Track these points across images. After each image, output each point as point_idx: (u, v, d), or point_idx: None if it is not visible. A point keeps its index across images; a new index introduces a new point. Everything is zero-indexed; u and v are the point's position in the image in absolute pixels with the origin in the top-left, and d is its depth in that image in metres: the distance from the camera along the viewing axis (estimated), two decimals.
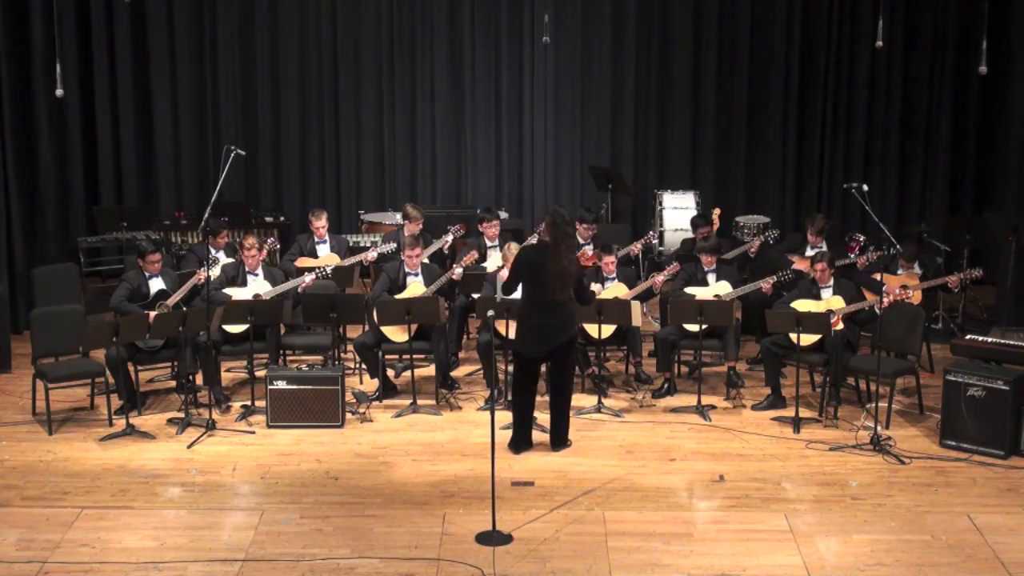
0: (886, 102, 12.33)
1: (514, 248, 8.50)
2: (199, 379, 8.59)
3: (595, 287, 8.81)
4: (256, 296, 8.74)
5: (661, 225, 11.75)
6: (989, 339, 8.03)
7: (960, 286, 9.28)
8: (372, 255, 9.69)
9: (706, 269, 8.92)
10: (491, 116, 12.62)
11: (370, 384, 8.92)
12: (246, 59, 12.43)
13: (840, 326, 8.21)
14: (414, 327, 8.43)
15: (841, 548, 6.33)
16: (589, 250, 9.42)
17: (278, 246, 10.72)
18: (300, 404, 8.06)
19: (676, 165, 12.64)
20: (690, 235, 10.61)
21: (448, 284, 8.89)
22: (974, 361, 7.85)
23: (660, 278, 8.94)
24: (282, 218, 12.02)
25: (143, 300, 8.43)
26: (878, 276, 8.51)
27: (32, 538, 6.41)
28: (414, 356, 8.65)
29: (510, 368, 8.36)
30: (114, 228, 11.16)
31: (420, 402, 8.48)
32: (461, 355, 9.59)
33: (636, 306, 8.35)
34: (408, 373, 8.71)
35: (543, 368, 7.81)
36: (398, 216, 10.89)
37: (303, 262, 9.63)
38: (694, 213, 11.14)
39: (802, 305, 8.37)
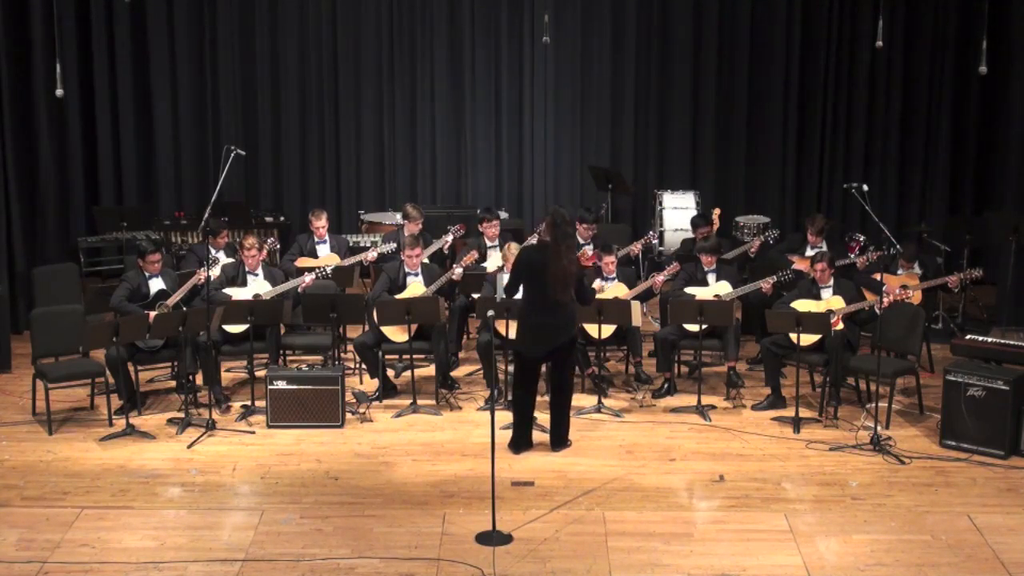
0: (886, 102, 12.33)
1: (514, 248, 8.51)
2: (199, 379, 8.59)
3: (597, 284, 8.81)
4: (256, 296, 8.74)
5: (661, 225, 11.75)
6: (989, 339, 8.03)
7: (960, 286, 9.28)
8: (372, 255, 9.69)
9: (706, 269, 8.92)
10: (491, 116, 12.62)
11: (370, 384, 8.92)
12: (246, 59, 12.43)
13: (840, 326, 8.21)
14: (414, 327, 8.43)
15: (841, 548, 6.33)
16: (589, 250, 9.42)
17: (278, 246, 10.72)
18: (300, 404, 8.06)
19: (676, 165, 12.64)
20: (690, 235, 10.61)
21: (448, 284, 8.89)
22: (974, 361, 7.85)
23: (660, 278, 8.94)
24: (282, 218, 12.02)
25: (143, 300, 8.43)
26: (878, 276, 8.51)
27: (32, 538, 6.41)
28: (414, 356, 8.65)
29: (510, 368, 8.37)
30: (114, 228, 11.16)
31: (420, 402, 8.48)
32: (461, 355, 9.59)
33: (636, 306, 8.35)
34: (408, 373, 8.71)
35: (543, 368, 7.81)
36: (398, 216, 10.89)
37: (303, 262, 9.63)
38: (694, 213, 11.14)
39: (802, 305, 8.37)
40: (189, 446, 7.73)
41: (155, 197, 12.38)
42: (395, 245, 9.67)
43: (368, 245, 10.52)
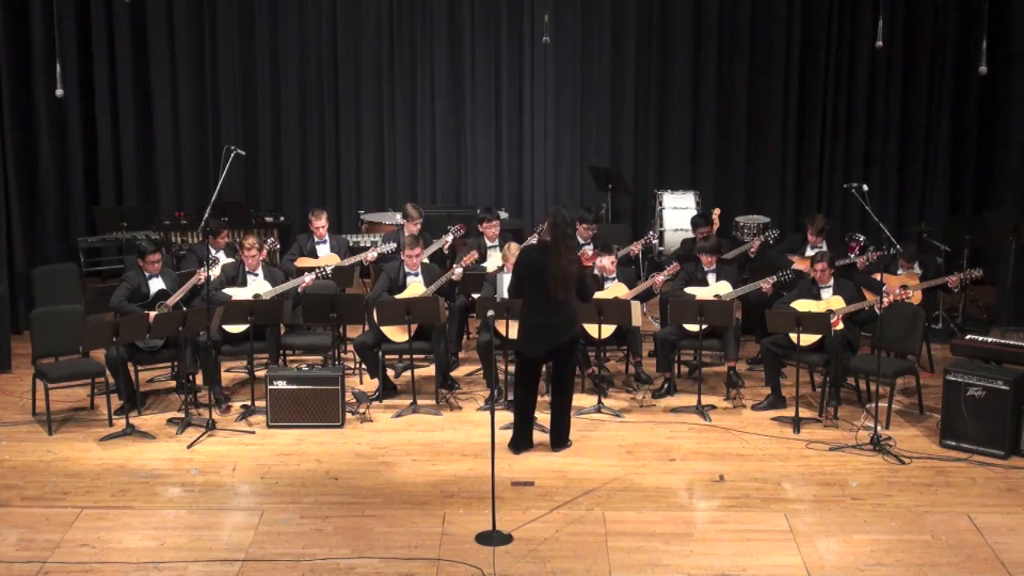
0: (886, 102, 12.33)
1: (514, 248, 8.51)
2: (199, 379, 8.59)
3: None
4: (256, 296, 8.74)
5: (661, 225, 11.75)
6: (989, 339, 8.03)
7: (960, 286, 9.28)
8: (372, 255, 9.69)
9: (706, 269, 8.92)
10: (491, 116, 12.62)
11: (370, 384, 8.92)
12: (246, 59, 12.43)
13: (840, 326, 8.21)
14: (414, 327, 8.43)
15: (841, 548, 6.33)
16: (589, 250, 9.42)
17: (278, 246, 10.72)
18: (300, 404, 8.06)
19: (676, 165, 12.64)
20: (690, 235, 10.62)
21: (448, 284, 8.89)
22: (974, 361, 7.85)
23: (660, 278, 8.94)
24: (282, 218, 12.02)
25: (143, 300, 8.43)
26: (878, 276, 8.50)
27: (32, 538, 6.41)
28: (414, 356, 8.65)
29: (510, 368, 8.38)
30: (114, 228, 11.16)
31: (420, 402, 8.48)
32: (461, 355, 9.59)
33: (636, 306, 8.35)
34: (408, 373, 8.71)
35: (544, 368, 7.81)
36: (398, 216, 10.89)
37: (303, 262, 9.63)
38: (694, 213, 11.14)
39: (802, 305, 8.37)
40: (189, 446, 7.73)
41: (155, 197, 12.38)
42: (395, 245, 9.67)
43: (368, 245, 10.52)
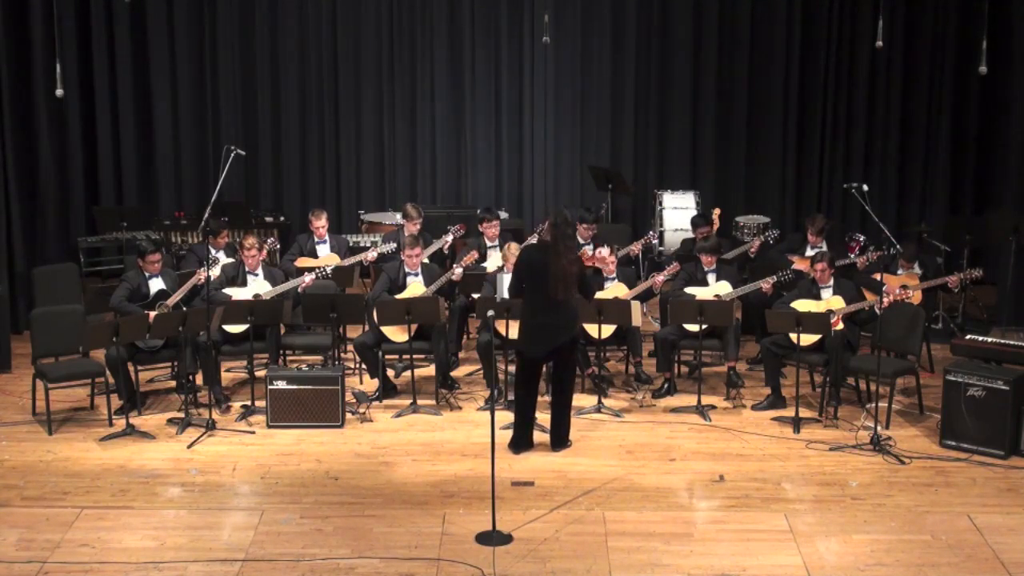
0: (886, 102, 12.33)
1: (514, 248, 8.51)
2: (199, 379, 8.59)
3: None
4: (256, 296, 8.74)
5: (661, 225, 11.75)
6: (989, 339, 8.02)
7: (960, 286, 9.28)
8: (372, 255, 9.69)
9: (706, 269, 8.92)
10: (491, 116, 12.62)
11: (370, 384, 8.92)
12: (246, 59, 12.43)
13: (840, 326, 8.21)
14: (414, 327, 8.43)
15: (841, 548, 6.33)
16: (589, 250, 9.42)
17: (278, 246, 10.72)
18: (300, 404, 8.06)
19: (676, 165, 12.64)
20: (690, 235, 10.62)
21: (448, 284, 8.89)
22: (974, 361, 7.85)
23: (660, 278, 8.94)
24: (282, 218, 12.02)
25: (143, 300, 8.43)
26: (878, 276, 8.50)
27: (32, 538, 6.41)
28: (414, 356, 8.65)
29: (510, 368, 8.38)
30: (114, 228, 11.16)
31: (420, 402, 8.48)
32: (461, 355, 9.59)
33: (636, 306, 8.35)
34: (408, 373, 8.71)
35: (544, 368, 7.81)
36: (398, 216, 10.89)
37: (303, 262, 9.63)
38: (694, 213, 11.14)
39: (802, 305, 8.36)
40: (189, 446, 7.73)
41: (155, 197, 12.38)
42: (395, 245, 9.67)
43: (368, 245, 10.52)
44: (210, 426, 7.96)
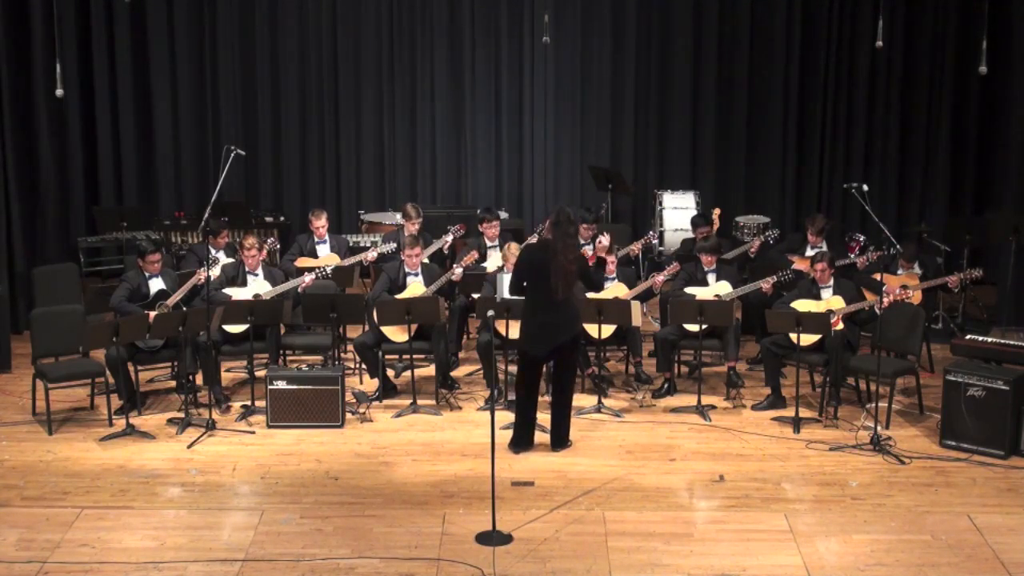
0: (886, 102, 12.33)
1: (514, 248, 8.51)
2: (199, 379, 8.59)
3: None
4: (256, 296, 8.74)
5: (661, 225, 11.75)
6: (989, 339, 8.03)
7: (960, 286, 9.28)
8: (372, 255, 9.70)
9: (706, 269, 8.92)
10: (491, 116, 12.62)
11: (370, 384, 8.92)
12: (246, 59, 12.42)
13: (840, 326, 8.21)
14: (414, 327, 8.43)
15: (841, 548, 6.33)
16: (589, 250, 9.41)
17: (278, 246, 10.72)
18: (300, 404, 8.06)
19: (676, 165, 12.64)
20: (690, 235, 10.62)
21: (448, 284, 8.89)
22: (974, 361, 7.85)
23: (660, 278, 8.94)
24: (282, 218, 12.02)
25: (143, 300, 8.43)
26: (878, 276, 8.50)
27: (32, 538, 6.41)
28: (414, 356, 8.65)
29: (510, 368, 8.37)
30: (114, 228, 11.16)
31: (420, 402, 8.48)
32: (461, 355, 9.59)
33: (636, 306, 8.35)
34: (408, 373, 8.71)
35: (544, 368, 7.81)
36: (398, 216, 10.89)
37: (303, 262, 9.63)
38: (694, 213, 11.14)
39: (802, 305, 8.36)
40: (189, 446, 7.73)
41: (155, 197, 12.37)
42: (395, 245, 9.67)
43: (368, 245, 10.52)
44: (210, 426, 7.96)
